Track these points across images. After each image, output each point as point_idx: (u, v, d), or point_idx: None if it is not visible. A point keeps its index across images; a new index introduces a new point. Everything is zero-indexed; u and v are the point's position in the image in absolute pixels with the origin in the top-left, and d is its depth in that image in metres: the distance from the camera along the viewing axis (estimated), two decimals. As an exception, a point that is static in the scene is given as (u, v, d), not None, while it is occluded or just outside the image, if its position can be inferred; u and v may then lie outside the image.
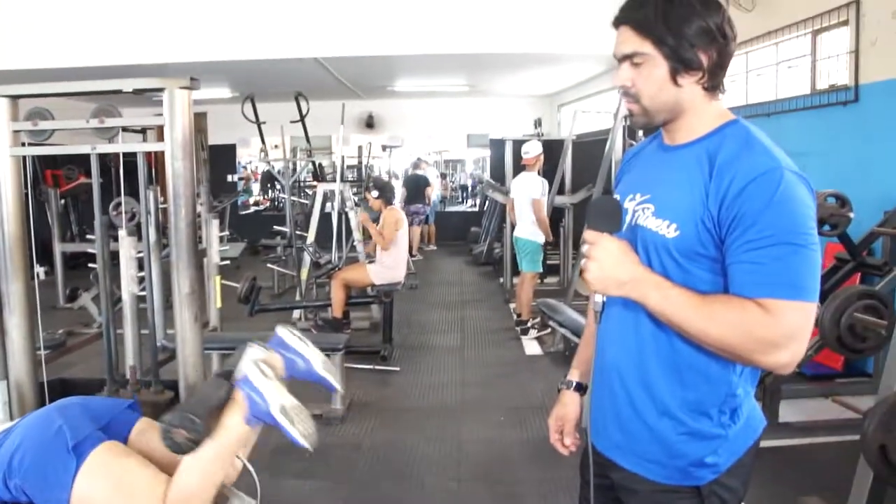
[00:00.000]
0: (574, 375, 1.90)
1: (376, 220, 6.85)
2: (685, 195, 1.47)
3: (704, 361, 1.49)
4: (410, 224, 12.95)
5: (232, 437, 2.05)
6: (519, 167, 7.58)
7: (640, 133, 7.12)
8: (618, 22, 1.52)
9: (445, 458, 4.24)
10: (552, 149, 8.72)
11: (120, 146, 2.83)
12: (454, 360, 6.41)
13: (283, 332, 2.22)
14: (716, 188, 1.42)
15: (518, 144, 9.91)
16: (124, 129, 3.17)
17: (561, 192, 8.97)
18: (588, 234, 1.49)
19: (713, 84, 1.49)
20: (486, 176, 14.14)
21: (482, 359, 6.44)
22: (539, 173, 7.18)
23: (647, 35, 1.46)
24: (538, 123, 12.23)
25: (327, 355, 4.69)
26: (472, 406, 5.16)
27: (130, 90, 2.77)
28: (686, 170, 1.49)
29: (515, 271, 7.96)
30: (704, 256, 1.46)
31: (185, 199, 2.76)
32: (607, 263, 1.46)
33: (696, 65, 1.46)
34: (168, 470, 2.13)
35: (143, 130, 5.44)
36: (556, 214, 8.77)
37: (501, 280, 9.37)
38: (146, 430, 2.33)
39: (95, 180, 3.15)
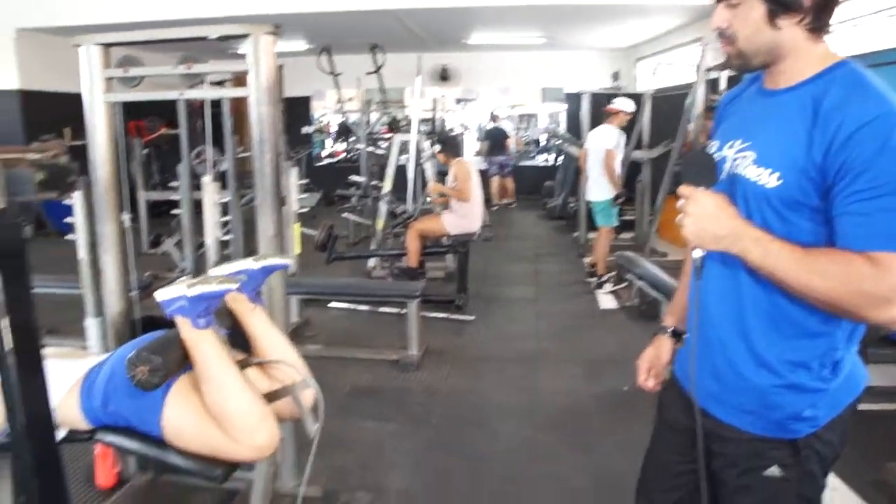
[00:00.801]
0: (669, 322, 1.90)
1: (444, 174, 6.85)
2: (787, 142, 1.41)
3: (805, 315, 1.45)
4: (491, 175, 13.00)
5: (199, 347, 2.07)
6: (596, 121, 7.47)
7: (723, 87, 6.93)
8: None
9: (520, 407, 4.28)
10: (626, 101, 8.54)
11: (206, 91, 2.88)
12: (528, 311, 6.43)
13: (212, 270, 2.36)
14: (821, 135, 1.35)
15: (596, 98, 9.78)
16: (206, 82, 3.22)
17: (638, 146, 8.80)
18: (683, 189, 1.45)
19: (817, 25, 1.42)
20: (562, 130, 13.97)
21: (556, 311, 6.43)
22: (620, 128, 7.06)
23: None
24: (616, 76, 11.95)
25: (403, 303, 4.78)
26: (547, 357, 5.17)
27: (216, 37, 2.80)
28: (788, 116, 1.43)
29: (590, 226, 7.89)
30: (807, 206, 1.40)
31: (270, 144, 2.80)
32: (703, 218, 1.42)
33: (797, 6, 1.38)
34: None
35: (220, 83, 5.52)
36: (633, 169, 8.62)
37: (576, 234, 9.30)
38: None
39: (183, 126, 3.22)
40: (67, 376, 2.25)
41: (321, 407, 2.12)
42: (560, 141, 11.92)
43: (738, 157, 1.52)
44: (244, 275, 2.23)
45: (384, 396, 4.41)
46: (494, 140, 13.19)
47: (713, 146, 1.63)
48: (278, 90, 2.84)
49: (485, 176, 12.96)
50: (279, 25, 2.81)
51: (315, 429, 2.15)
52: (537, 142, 15.52)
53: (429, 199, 7.48)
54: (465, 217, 6.59)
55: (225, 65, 2.89)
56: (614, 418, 4.04)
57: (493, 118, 13.85)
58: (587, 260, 7.77)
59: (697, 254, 1.48)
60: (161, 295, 2.09)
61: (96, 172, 2.99)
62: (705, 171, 1.46)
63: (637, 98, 8.46)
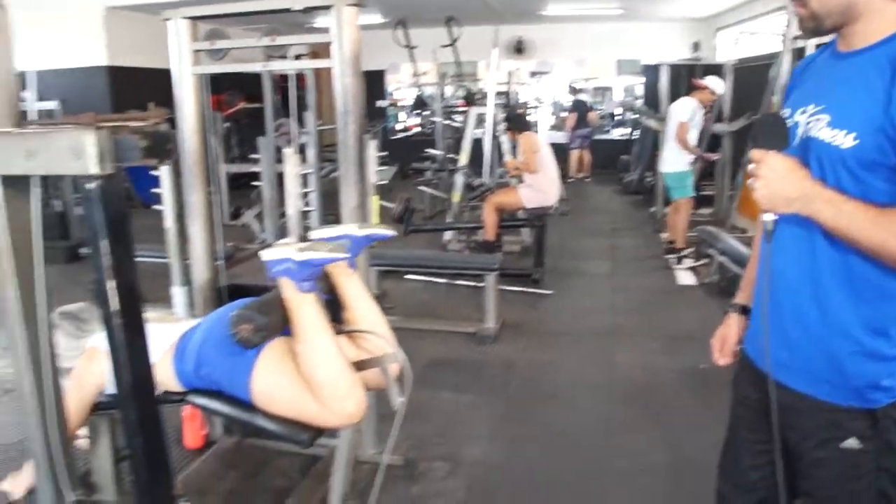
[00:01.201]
0: (740, 298, 1.88)
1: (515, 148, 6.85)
2: (863, 102, 1.39)
3: (882, 277, 1.42)
4: (572, 148, 12.88)
5: (301, 311, 2.08)
6: (675, 93, 7.30)
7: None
8: None
9: (597, 381, 4.26)
10: (709, 73, 8.32)
11: (290, 63, 2.92)
12: (605, 286, 6.38)
13: (312, 233, 2.29)
14: None
15: (675, 70, 9.55)
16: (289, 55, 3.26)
17: (719, 119, 8.58)
18: (754, 153, 1.42)
19: None
20: (638, 103, 13.71)
21: (633, 286, 6.35)
22: (702, 104, 6.89)
23: None
24: (696, 47, 11.63)
25: (482, 277, 4.79)
26: (624, 332, 5.13)
27: (301, 8, 2.84)
28: (864, 76, 1.40)
29: (668, 201, 7.75)
30: (883, 165, 1.37)
31: (353, 116, 2.83)
32: (774, 181, 1.39)
33: None
34: None
35: (298, 57, 5.59)
36: (713, 143, 8.41)
37: (652, 209, 9.15)
38: None
39: (268, 97, 3.27)
40: (162, 340, 2.33)
41: (408, 379, 2.14)
42: (637, 114, 11.70)
43: (810, 121, 1.50)
44: (348, 240, 2.24)
45: (461, 368, 4.44)
46: (579, 112, 13.08)
47: (784, 113, 1.60)
48: (360, 62, 2.86)
49: (566, 149, 12.89)
50: (363, -3, 2.82)
51: (400, 401, 2.17)
52: (612, 115, 15.28)
53: (506, 174, 7.46)
54: (540, 191, 6.55)
55: (308, 37, 2.92)
56: (693, 395, 3.99)
57: (574, 90, 13.66)
58: (664, 235, 7.65)
59: (769, 217, 1.45)
60: (268, 255, 2.09)
61: (185, 143, 3.07)
62: (776, 135, 1.43)
63: (717, 69, 8.24)
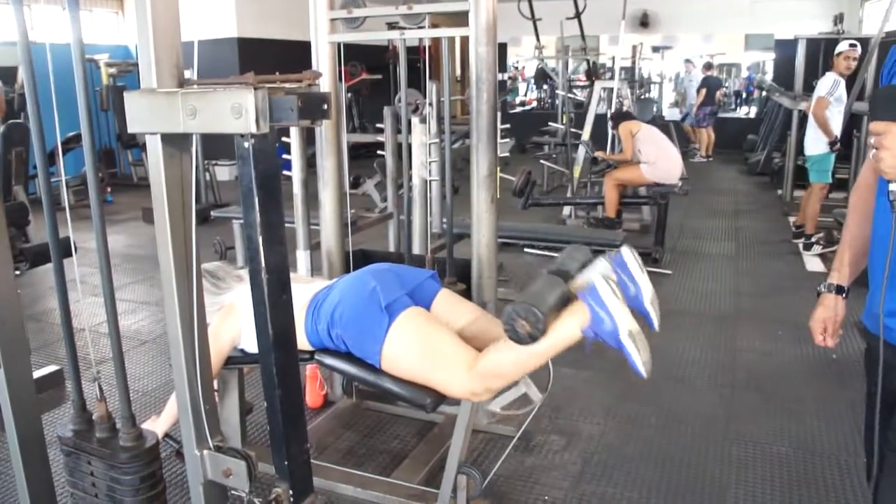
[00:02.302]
0: (834, 278, 1.88)
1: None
2: None
3: None
4: (702, 126, 12.54)
5: (563, 341, 2.05)
6: (811, 70, 6.93)
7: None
8: None
9: (718, 365, 4.15)
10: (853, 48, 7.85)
11: (427, 31, 2.93)
12: (728, 268, 6.19)
13: (626, 252, 2.13)
14: None
15: (813, 44, 9.08)
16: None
17: (861, 98, 8.10)
18: (876, 125, 1.41)
19: None
20: (769, 79, 13.15)
21: (758, 270, 6.15)
22: (843, 76, 6.49)
23: None
24: (839, 19, 10.94)
25: (603, 250, 4.73)
26: (747, 317, 4.97)
27: (437, -25, 2.86)
28: None
29: (797, 183, 7.43)
30: None
31: (488, 84, 2.83)
32: None
33: None
34: (469, 343, 2.26)
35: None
36: (852, 123, 7.97)
37: (780, 192, 8.80)
38: (446, 301, 2.48)
39: (403, 66, 3.30)
40: (296, 298, 2.40)
41: (533, 410, 2.20)
42: (767, 92, 11.22)
43: None
44: (635, 289, 2.10)
45: (579, 343, 4.40)
46: (710, 89, 12.71)
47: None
48: (496, 31, 2.85)
49: (691, 125, 12.54)
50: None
51: (539, 399, 2.21)
52: (738, 93, 14.73)
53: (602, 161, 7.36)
54: (661, 168, 6.40)
55: (446, 5, 2.92)
56: (820, 385, 3.84)
57: (708, 66, 13.24)
58: (792, 219, 7.34)
59: (894, 187, 1.44)
60: (604, 292, 1.98)
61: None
62: None
63: (864, 44, 7.77)
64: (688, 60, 13.78)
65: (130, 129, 1.49)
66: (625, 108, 7.99)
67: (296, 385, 1.64)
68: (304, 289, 2.48)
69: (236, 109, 1.34)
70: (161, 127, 1.45)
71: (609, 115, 7.42)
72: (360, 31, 3.24)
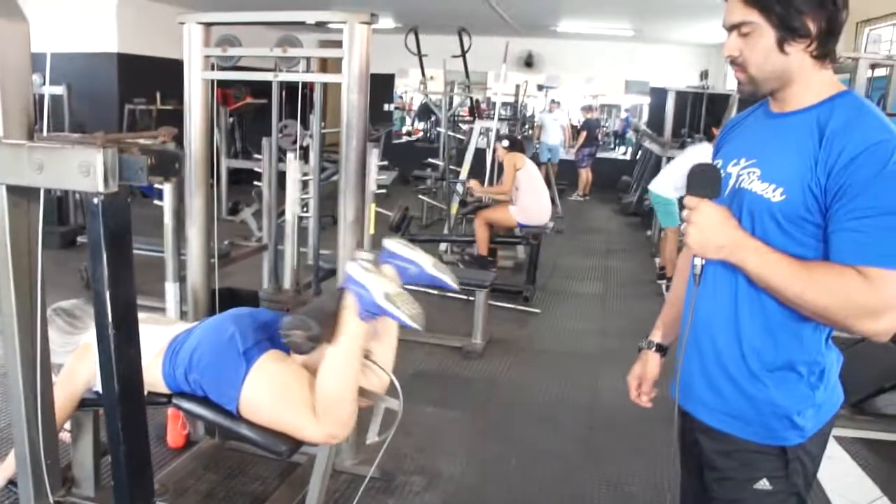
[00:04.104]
0: (656, 336, 1.95)
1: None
2: (793, 160, 1.47)
3: (798, 323, 1.51)
4: (582, 167, 12.95)
5: (350, 335, 2.13)
6: (679, 118, 7.33)
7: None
8: None
9: (580, 404, 4.30)
10: (715, 103, 8.36)
11: (300, 76, 2.96)
12: (595, 308, 6.42)
13: (389, 242, 2.29)
14: (825, 156, 1.41)
15: (681, 96, 9.60)
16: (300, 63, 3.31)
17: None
18: (689, 200, 1.50)
19: (823, 52, 1.47)
20: (643, 124, 13.78)
21: (624, 310, 6.41)
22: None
23: (753, 4, 1.45)
24: (704, 76, 11.68)
25: (473, 292, 4.82)
26: (611, 356, 5.16)
27: (313, 22, 2.89)
28: (795, 136, 1.49)
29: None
30: (809, 222, 1.45)
31: (357, 132, 2.87)
32: (706, 228, 1.48)
33: (804, 32, 1.44)
34: None
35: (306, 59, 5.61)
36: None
37: (649, 233, 9.20)
38: None
39: (275, 105, 3.31)
40: (154, 341, 2.37)
41: (396, 422, 2.23)
42: (641, 136, 11.76)
43: (742, 174, 1.57)
44: (416, 268, 2.26)
45: (446, 383, 4.48)
46: (590, 131, 13.17)
47: (717, 164, 1.67)
48: (369, 78, 2.91)
49: (575, 167, 12.99)
50: (375, 14, 2.87)
51: (376, 440, 2.25)
52: (616, 133, 15.39)
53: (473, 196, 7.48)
54: (528, 210, 6.60)
55: (319, 51, 2.96)
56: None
57: (588, 109, 13.80)
58: (658, 260, 7.69)
59: (698, 262, 1.53)
60: (354, 271, 2.12)
61: (190, 146, 3.11)
62: (710, 184, 1.50)
63: (724, 100, 8.27)
64: (553, 101, 14.33)
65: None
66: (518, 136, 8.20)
67: (142, 440, 1.63)
68: (163, 331, 2.44)
69: (84, 168, 1.34)
70: (6, 178, 1.43)
71: (497, 135, 7.51)
72: (235, 71, 3.24)
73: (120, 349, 1.52)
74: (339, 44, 2.82)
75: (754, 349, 1.56)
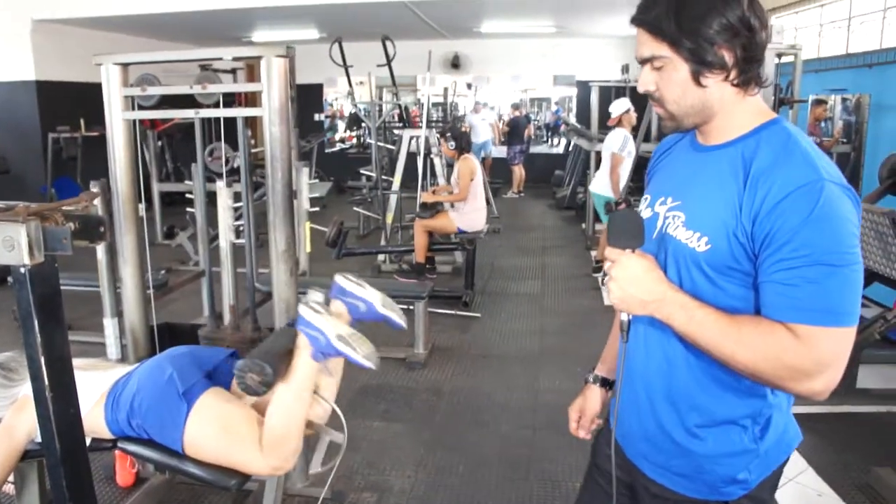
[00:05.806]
0: (601, 370, 1.88)
1: (450, 166, 6.94)
2: (717, 206, 1.38)
3: (734, 377, 1.42)
4: (513, 164, 13.15)
5: (302, 375, 2.22)
6: (605, 112, 7.52)
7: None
8: (633, 22, 1.43)
9: (522, 407, 4.41)
10: (638, 96, 8.52)
11: (221, 111, 3.00)
12: (534, 307, 6.55)
13: (339, 279, 2.38)
14: (749, 201, 1.33)
15: (604, 91, 9.81)
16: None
17: (647, 140, 8.84)
18: (609, 252, 1.42)
19: (744, 80, 1.38)
20: (572, 118, 14.02)
21: (561, 307, 6.56)
22: (631, 127, 7.09)
23: (662, 38, 1.37)
24: (625, 69, 11.92)
25: (411, 304, 4.89)
26: (550, 355, 5.30)
27: (230, 58, 2.93)
28: (719, 176, 1.41)
29: (598, 217, 8.00)
30: (737, 271, 1.38)
31: (282, 162, 2.91)
32: (630, 283, 1.39)
33: (720, 64, 1.35)
34: (265, 413, 2.35)
35: (233, 71, 5.60)
36: (642, 163, 8.64)
37: (584, 226, 9.39)
38: None
39: (199, 141, 3.34)
40: (94, 389, 2.39)
41: (340, 454, 2.31)
42: (570, 132, 11.97)
43: (668, 216, 1.49)
44: (365, 305, 2.34)
45: (391, 395, 4.55)
46: (516, 129, 13.44)
47: (645, 201, 1.60)
48: (290, 110, 2.96)
49: (508, 164, 13.18)
50: (291, 47, 2.92)
51: (316, 472, 2.34)
52: (548, 125, 15.60)
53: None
54: (469, 215, 6.72)
55: (238, 86, 3.00)
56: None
57: (516, 107, 14.22)
58: (594, 253, 7.87)
59: (624, 317, 1.45)
60: (307, 315, 2.19)
61: (116, 185, 3.11)
62: (632, 233, 1.41)
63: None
64: (478, 102, 14.58)
65: None
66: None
67: (87, 494, 1.67)
68: (103, 377, 2.46)
69: (8, 243, 1.38)
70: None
71: (442, 132, 7.43)
72: (155, 110, 3.26)
73: (58, 409, 1.56)
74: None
75: (692, 406, 1.49)
